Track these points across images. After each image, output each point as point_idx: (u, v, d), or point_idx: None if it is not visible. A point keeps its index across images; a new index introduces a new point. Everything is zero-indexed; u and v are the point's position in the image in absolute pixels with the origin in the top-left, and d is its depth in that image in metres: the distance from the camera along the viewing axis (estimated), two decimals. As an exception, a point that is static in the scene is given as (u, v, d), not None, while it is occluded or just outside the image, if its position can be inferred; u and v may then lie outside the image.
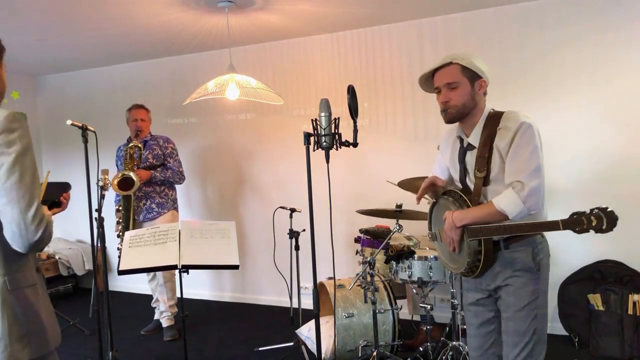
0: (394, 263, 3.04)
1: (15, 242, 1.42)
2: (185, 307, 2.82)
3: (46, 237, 1.46)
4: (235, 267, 2.59)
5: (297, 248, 3.47)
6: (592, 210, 1.65)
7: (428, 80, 2.04)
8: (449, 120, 1.97)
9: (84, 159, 2.90)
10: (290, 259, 3.50)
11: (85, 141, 2.89)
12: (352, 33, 4.17)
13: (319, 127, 2.09)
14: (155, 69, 4.95)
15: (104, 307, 3.04)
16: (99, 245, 3.00)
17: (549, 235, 1.93)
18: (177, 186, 4.07)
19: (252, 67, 4.46)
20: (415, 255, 2.95)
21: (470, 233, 1.85)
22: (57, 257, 5.05)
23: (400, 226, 2.84)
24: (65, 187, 1.83)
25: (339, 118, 2.11)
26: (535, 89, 3.61)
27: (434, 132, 3.88)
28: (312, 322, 3.22)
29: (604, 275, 3.38)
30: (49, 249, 5.16)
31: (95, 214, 2.95)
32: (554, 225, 1.69)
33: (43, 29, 3.71)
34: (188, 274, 2.57)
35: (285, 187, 4.49)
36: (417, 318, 3.68)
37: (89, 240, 4.58)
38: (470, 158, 1.96)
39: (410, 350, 3.24)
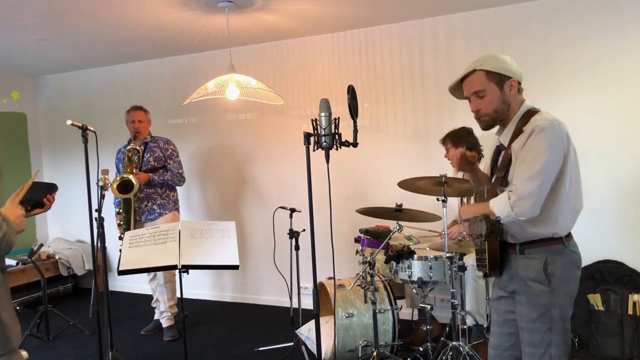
0: (394, 263, 3.04)
1: None
2: (185, 307, 2.81)
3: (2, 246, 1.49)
4: (235, 267, 2.58)
5: (297, 248, 3.47)
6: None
7: (458, 89, 2.01)
8: (485, 128, 1.94)
9: (84, 159, 2.90)
10: (290, 259, 3.50)
11: (85, 141, 2.89)
12: (352, 33, 4.16)
13: (319, 127, 2.10)
14: (155, 69, 4.95)
15: (104, 307, 3.04)
16: (99, 245, 3.00)
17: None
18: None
19: (252, 67, 4.47)
20: (415, 255, 2.95)
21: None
22: (57, 257, 5.05)
23: (400, 226, 2.84)
24: (51, 188, 1.79)
25: (339, 118, 2.11)
26: (535, 89, 3.60)
27: (434, 132, 3.87)
28: (312, 322, 3.22)
29: (604, 275, 3.38)
30: (49, 249, 5.17)
31: (95, 214, 2.95)
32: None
33: (43, 29, 3.71)
34: (188, 274, 2.56)
35: (285, 187, 4.49)
36: (415, 318, 3.68)
37: (89, 240, 4.58)
38: (500, 157, 1.97)
39: (410, 350, 3.24)
